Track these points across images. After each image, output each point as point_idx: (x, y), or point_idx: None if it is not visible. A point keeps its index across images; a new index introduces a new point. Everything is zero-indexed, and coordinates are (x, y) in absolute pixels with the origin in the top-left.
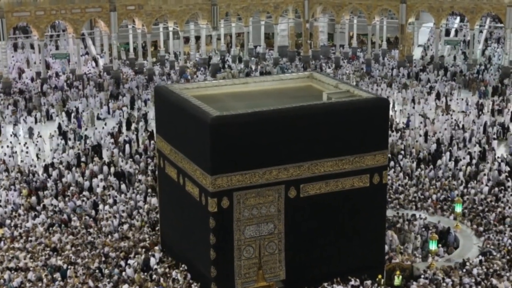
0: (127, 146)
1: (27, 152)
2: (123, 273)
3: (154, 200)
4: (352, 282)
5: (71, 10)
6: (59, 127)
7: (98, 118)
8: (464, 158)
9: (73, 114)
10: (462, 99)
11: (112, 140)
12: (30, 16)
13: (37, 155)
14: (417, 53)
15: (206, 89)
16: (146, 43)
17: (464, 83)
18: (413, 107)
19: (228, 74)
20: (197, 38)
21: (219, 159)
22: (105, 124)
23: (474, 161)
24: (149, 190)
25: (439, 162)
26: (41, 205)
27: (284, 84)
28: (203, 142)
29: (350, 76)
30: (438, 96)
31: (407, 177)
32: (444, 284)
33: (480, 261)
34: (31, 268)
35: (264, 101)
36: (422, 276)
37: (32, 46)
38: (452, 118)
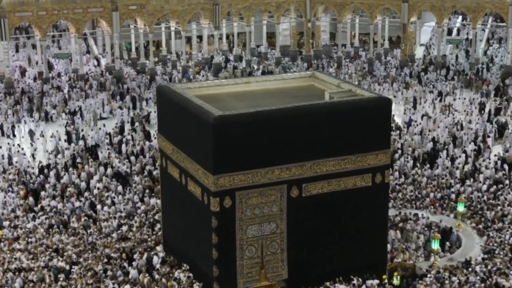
0: (123, 146)
1: (24, 154)
2: (130, 275)
3: (152, 201)
4: (355, 281)
5: (73, 10)
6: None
7: (102, 118)
8: (460, 156)
9: (70, 115)
10: (465, 98)
11: (108, 141)
12: (32, 16)
13: (33, 155)
14: (419, 52)
15: (208, 89)
16: (148, 42)
17: (466, 83)
18: (414, 107)
19: (229, 73)
20: (199, 37)
21: (221, 159)
22: (104, 125)
23: (470, 159)
24: (147, 191)
25: (439, 160)
26: (39, 206)
27: (286, 83)
28: (205, 142)
29: (352, 76)
30: (439, 95)
31: (403, 176)
32: (448, 282)
33: (483, 259)
34: (34, 269)
35: (266, 101)
36: (428, 275)
37: (34, 46)
38: (449, 117)
